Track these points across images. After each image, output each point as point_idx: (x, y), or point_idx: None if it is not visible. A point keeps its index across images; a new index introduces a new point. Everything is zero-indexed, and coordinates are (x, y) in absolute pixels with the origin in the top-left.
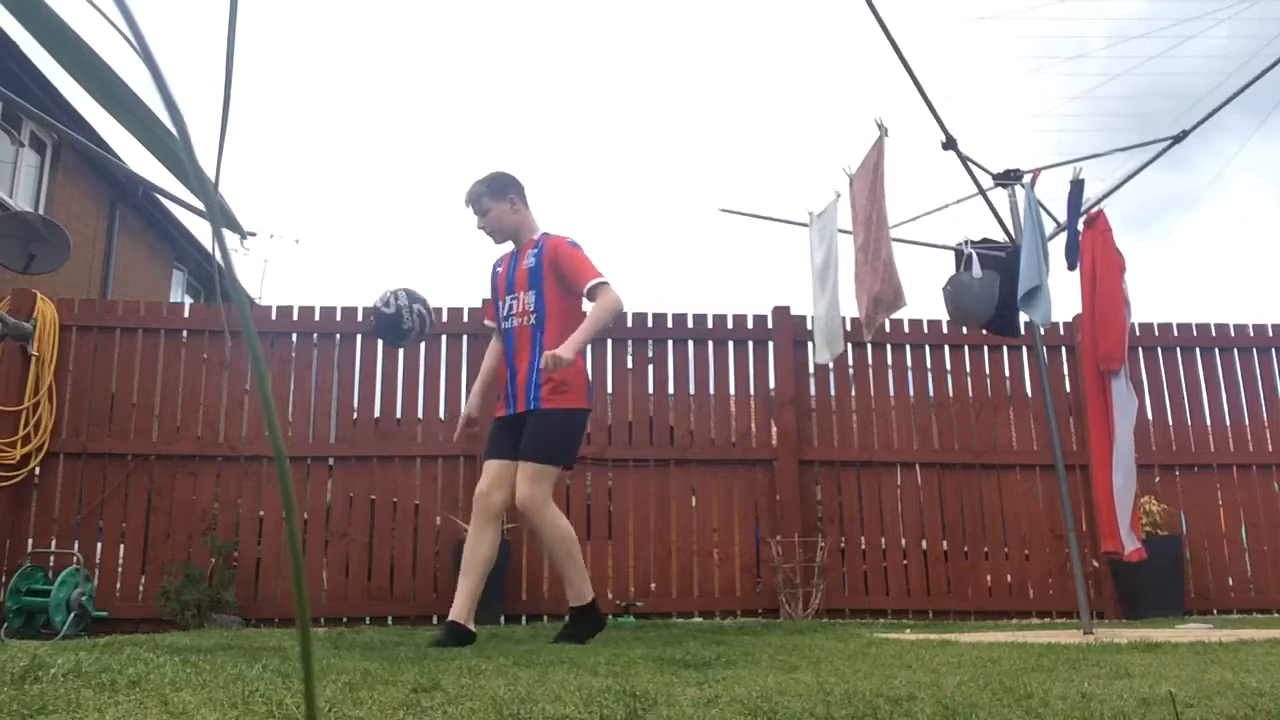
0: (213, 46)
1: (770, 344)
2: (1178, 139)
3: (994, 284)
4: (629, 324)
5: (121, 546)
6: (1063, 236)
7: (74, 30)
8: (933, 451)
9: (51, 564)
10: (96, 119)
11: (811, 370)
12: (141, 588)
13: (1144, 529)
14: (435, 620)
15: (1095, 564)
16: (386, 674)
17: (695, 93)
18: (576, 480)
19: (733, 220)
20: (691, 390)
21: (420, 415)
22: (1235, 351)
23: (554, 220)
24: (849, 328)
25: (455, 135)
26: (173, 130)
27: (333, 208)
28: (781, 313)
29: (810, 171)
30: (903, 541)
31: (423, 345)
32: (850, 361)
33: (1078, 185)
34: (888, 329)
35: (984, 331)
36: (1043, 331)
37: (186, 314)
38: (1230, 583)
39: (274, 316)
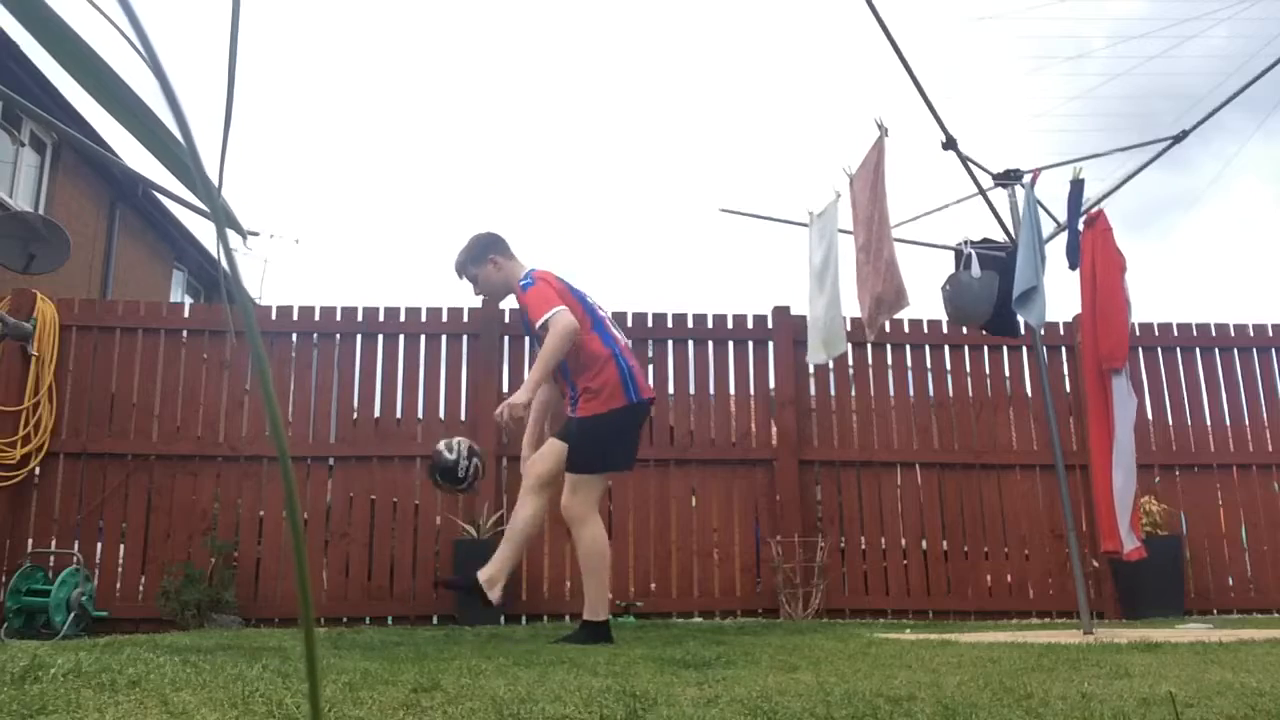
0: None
1: (770, 344)
2: (1178, 139)
3: (993, 284)
4: (629, 324)
5: (121, 546)
6: (1062, 237)
7: (75, 31)
8: (933, 451)
9: (51, 564)
10: (96, 118)
11: (811, 370)
12: (141, 588)
13: (1144, 529)
14: (435, 620)
15: (1095, 564)
16: (386, 674)
17: (695, 93)
18: None
19: (733, 220)
20: (691, 390)
21: (420, 415)
22: (1235, 351)
23: (555, 218)
24: (849, 327)
25: (455, 135)
26: (178, 135)
27: (333, 208)
28: (781, 313)
29: (810, 171)
30: (903, 541)
31: (422, 345)
32: (850, 361)
33: (1078, 185)
34: (888, 329)
35: (983, 331)
36: (1043, 331)
37: (186, 314)
38: (1230, 583)
39: (274, 316)
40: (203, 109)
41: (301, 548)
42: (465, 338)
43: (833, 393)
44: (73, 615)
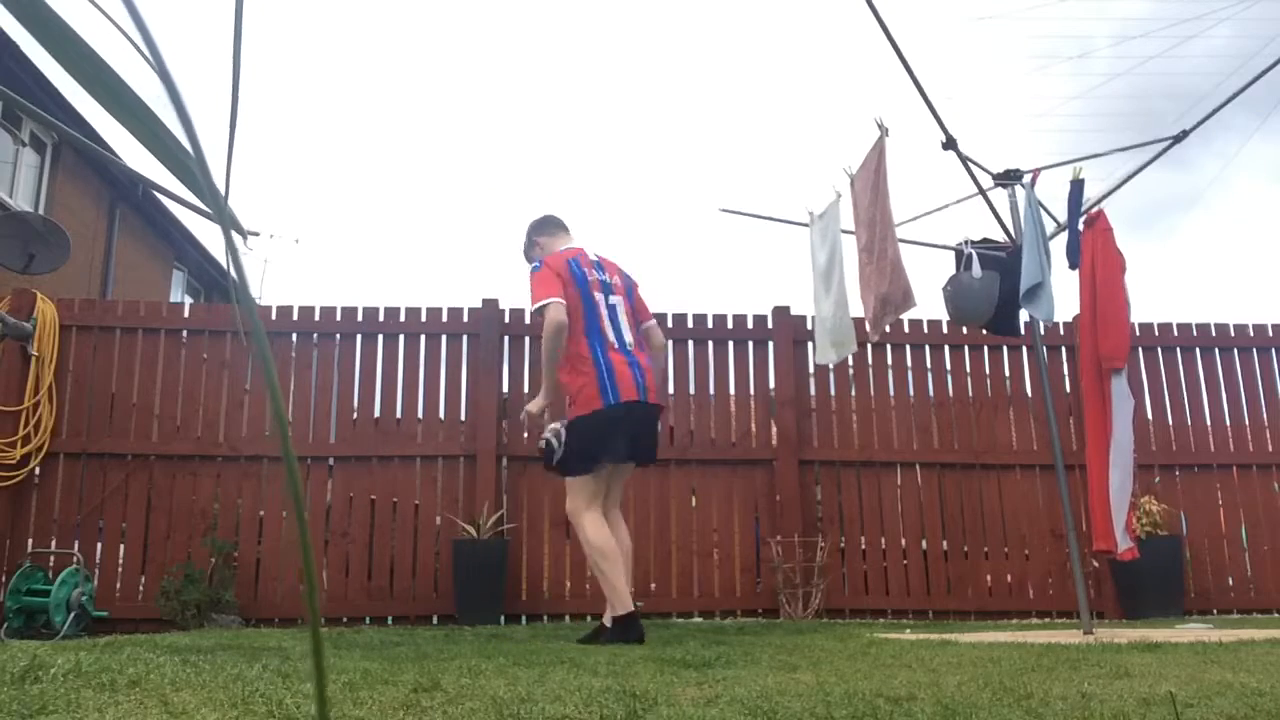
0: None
1: (770, 344)
2: (1178, 139)
3: (994, 284)
4: None
5: (121, 546)
6: (1063, 236)
7: (75, 31)
8: (933, 451)
9: (51, 564)
10: (96, 118)
11: (811, 370)
12: (141, 588)
13: (1144, 529)
14: (435, 620)
15: (1095, 564)
16: (386, 674)
17: (695, 93)
18: None
19: (733, 220)
20: (691, 390)
21: (420, 415)
22: (1235, 351)
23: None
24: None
25: (456, 134)
26: (180, 137)
27: (333, 208)
28: (781, 313)
29: (810, 171)
30: (903, 541)
31: (422, 345)
32: (850, 361)
33: (1078, 185)
34: (888, 329)
35: (984, 331)
36: (1043, 331)
37: (186, 314)
38: (1230, 583)
39: (274, 316)
40: (203, 109)
41: (308, 545)
42: (465, 338)
43: (833, 393)
44: (73, 615)
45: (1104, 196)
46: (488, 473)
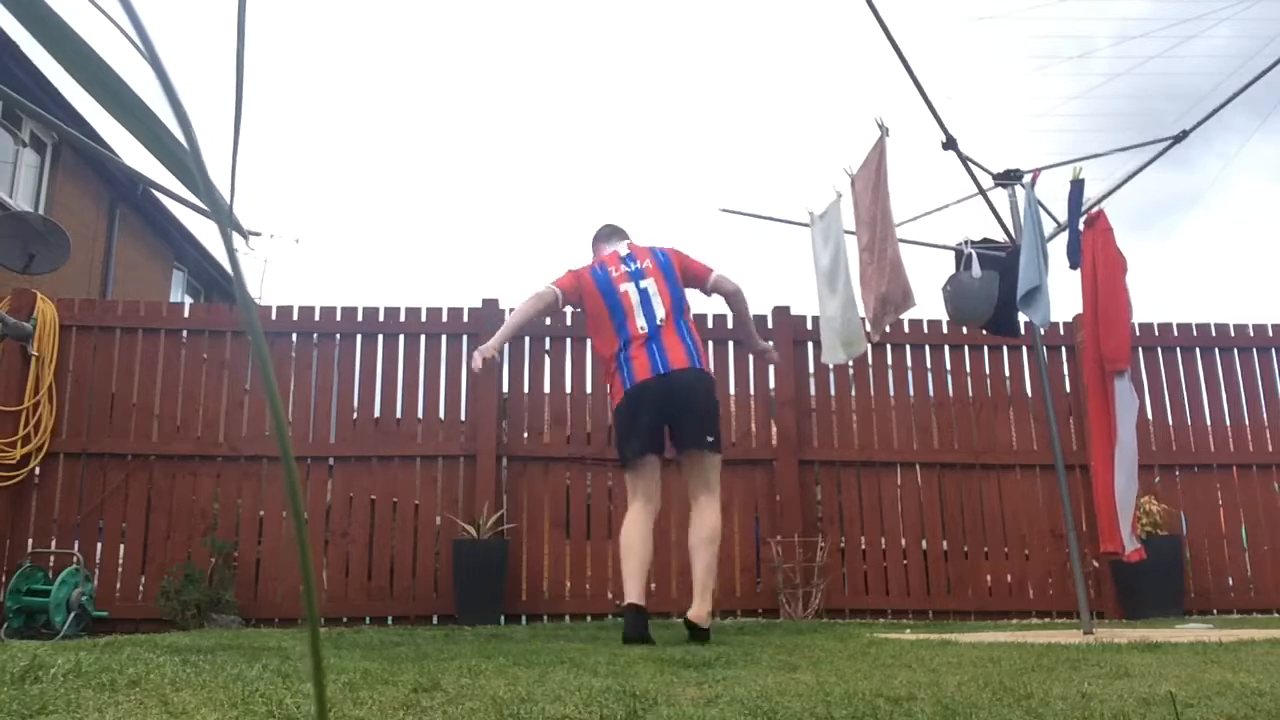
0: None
1: (770, 344)
2: (1178, 139)
3: (994, 284)
4: None
5: (121, 546)
6: (1063, 237)
7: (75, 31)
8: (933, 451)
9: (51, 564)
10: (96, 118)
11: (812, 370)
12: (141, 588)
13: (1144, 529)
14: (435, 620)
15: (1095, 564)
16: (386, 674)
17: (696, 93)
18: (576, 480)
19: (733, 220)
20: None
21: (420, 415)
22: (1235, 351)
23: (555, 219)
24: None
25: (456, 134)
26: (180, 137)
27: (333, 208)
28: (781, 313)
29: (811, 171)
30: (903, 541)
31: (422, 345)
32: (850, 361)
33: (1078, 185)
34: (888, 329)
35: (984, 331)
36: (1043, 331)
37: (186, 314)
38: (1230, 583)
39: (274, 316)
40: (203, 109)
41: (306, 544)
42: (465, 338)
43: (833, 393)
44: (73, 615)
45: (1104, 196)
46: (488, 473)
